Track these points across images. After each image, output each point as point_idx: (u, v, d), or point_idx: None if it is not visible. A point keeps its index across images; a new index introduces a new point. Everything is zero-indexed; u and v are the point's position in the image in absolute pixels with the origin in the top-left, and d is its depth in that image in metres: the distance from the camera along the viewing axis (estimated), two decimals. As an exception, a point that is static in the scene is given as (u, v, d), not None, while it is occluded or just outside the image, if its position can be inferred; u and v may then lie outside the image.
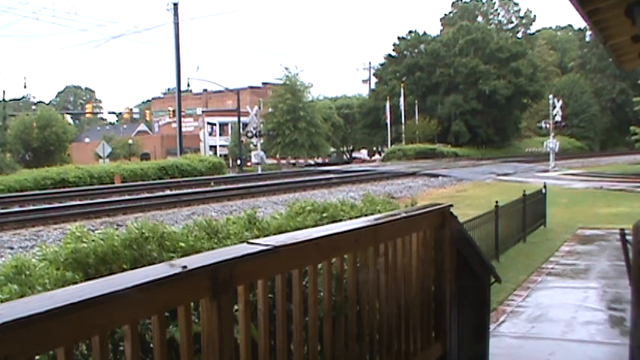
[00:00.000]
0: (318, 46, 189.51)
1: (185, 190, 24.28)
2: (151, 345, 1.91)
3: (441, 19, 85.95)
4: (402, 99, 59.11)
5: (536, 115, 66.29)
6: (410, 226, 3.44)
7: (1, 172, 35.87)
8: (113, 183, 29.32)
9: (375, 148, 68.66)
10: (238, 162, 51.37)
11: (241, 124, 50.39)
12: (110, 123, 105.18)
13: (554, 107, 39.94)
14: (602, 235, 11.57)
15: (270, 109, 55.77)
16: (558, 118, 40.62)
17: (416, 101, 62.09)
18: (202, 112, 76.48)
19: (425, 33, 68.04)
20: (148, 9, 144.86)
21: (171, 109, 55.15)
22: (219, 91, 66.33)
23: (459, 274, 3.87)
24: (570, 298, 7.20)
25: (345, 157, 70.32)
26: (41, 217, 15.64)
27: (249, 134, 45.40)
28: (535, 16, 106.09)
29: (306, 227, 3.44)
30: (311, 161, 61.64)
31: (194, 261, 1.99)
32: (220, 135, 72.88)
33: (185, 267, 1.87)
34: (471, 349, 4.26)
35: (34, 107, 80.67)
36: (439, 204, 3.86)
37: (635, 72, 43.26)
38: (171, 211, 17.71)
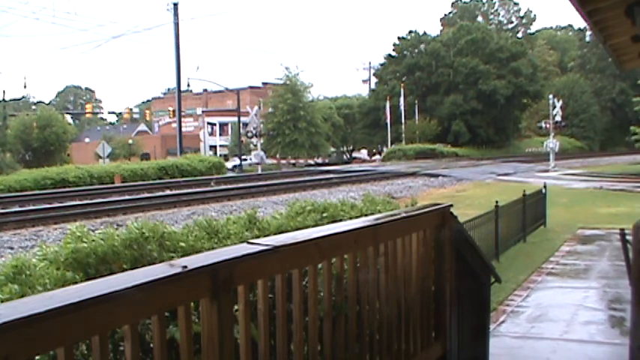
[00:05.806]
0: (318, 46, 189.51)
1: (185, 190, 24.27)
2: (151, 345, 1.91)
3: (441, 19, 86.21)
4: (402, 99, 59.08)
5: (536, 115, 66.37)
6: (410, 226, 3.43)
7: (1, 172, 35.84)
8: (113, 183, 29.32)
9: (375, 148, 68.64)
10: (238, 162, 51.38)
11: (241, 124, 50.39)
12: (110, 123, 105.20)
13: (554, 107, 39.95)
14: (602, 235, 11.57)
15: (270, 109, 55.80)
16: (558, 118, 40.66)
17: (416, 101, 62.08)
18: (202, 112, 76.48)
19: (425, 33, 68.10)
20: (148, 9, 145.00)
21: (171, 109, 55.06)
22: (219, 91, 66.32)
23: (458, 274, 3.86)
24: (570, 298, 7.19)
25: (345, 157, 70.30)
26: (41, 217, 15.64)
27: (249, 134, 45.43)
28: (535, 16, 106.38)
29: (306, 227, 3.44)
30: (311, 161, 61.62)
31: (194, 261, 1.99)
32: (220, 135, 73.00)
33: (185, 267, 1.87)
34: (471, 349, 4.25)
35: (34, 107, 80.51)
36: (439, 204, 3.86)
37: (635, 72, 43.16)
38: (171, 211, 17.71)
